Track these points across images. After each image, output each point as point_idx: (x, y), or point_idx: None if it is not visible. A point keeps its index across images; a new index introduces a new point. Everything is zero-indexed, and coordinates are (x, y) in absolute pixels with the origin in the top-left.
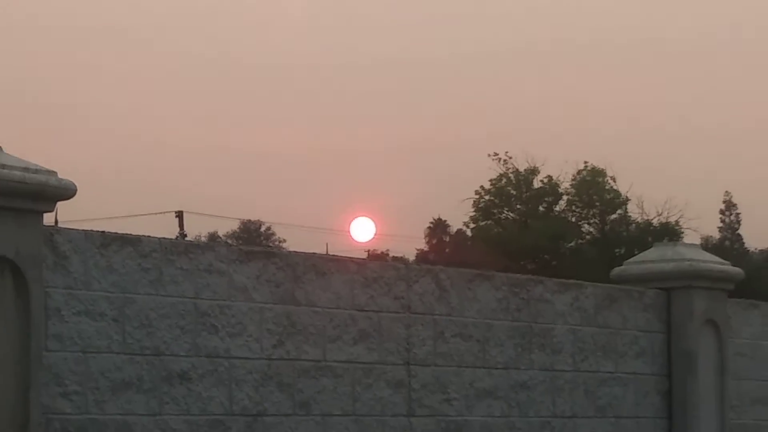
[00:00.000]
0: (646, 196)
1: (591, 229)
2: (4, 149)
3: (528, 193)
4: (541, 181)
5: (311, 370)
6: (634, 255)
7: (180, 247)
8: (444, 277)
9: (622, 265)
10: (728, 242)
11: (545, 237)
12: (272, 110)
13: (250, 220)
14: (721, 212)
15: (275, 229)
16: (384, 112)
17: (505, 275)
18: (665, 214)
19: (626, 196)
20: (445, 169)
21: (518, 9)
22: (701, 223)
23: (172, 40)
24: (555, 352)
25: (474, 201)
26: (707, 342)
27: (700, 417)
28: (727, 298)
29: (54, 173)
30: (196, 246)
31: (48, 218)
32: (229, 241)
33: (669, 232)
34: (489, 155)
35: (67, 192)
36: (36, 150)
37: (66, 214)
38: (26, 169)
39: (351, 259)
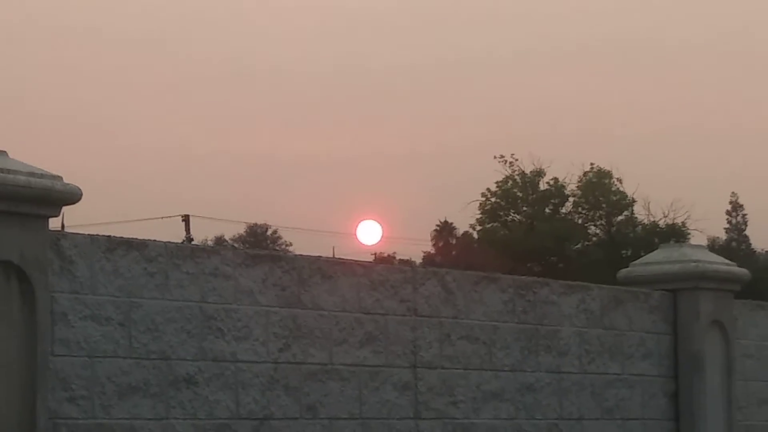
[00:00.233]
0: (652, 197)
1: (597, 231)
2: (9, 154)
3: (534, 195)
4: (548, 183)
5: (318, 373)
6: (641, 256)
7: (186, 251)
8: (450, 280)
9: (628, 266)
10: (735, 243)
11: (551, 239)
12: (279, 114)
13: (256, 224)
14: (728, 213)
15: (282, 232)
16: (390, 115)
17: (511, 277)
18: (672, 215)
19: (632, 198)
20: (452, 172)
21: (523, 12)
22: (708, 225)
23: (178, 46)
24: (561, 354)
25: (480, 203)
26: (714, 343)
27: (707, 418)
28: (734, 299)
29: (59, 178)
30: (201, 250)
31: (54, 223)
32: (236, 245)
33: (675, 234)
34: (495, 157)
35: (72, 197)
36: (41, 155)
37: (72, 219)
38: (31, 174)
39: (357, 262)
